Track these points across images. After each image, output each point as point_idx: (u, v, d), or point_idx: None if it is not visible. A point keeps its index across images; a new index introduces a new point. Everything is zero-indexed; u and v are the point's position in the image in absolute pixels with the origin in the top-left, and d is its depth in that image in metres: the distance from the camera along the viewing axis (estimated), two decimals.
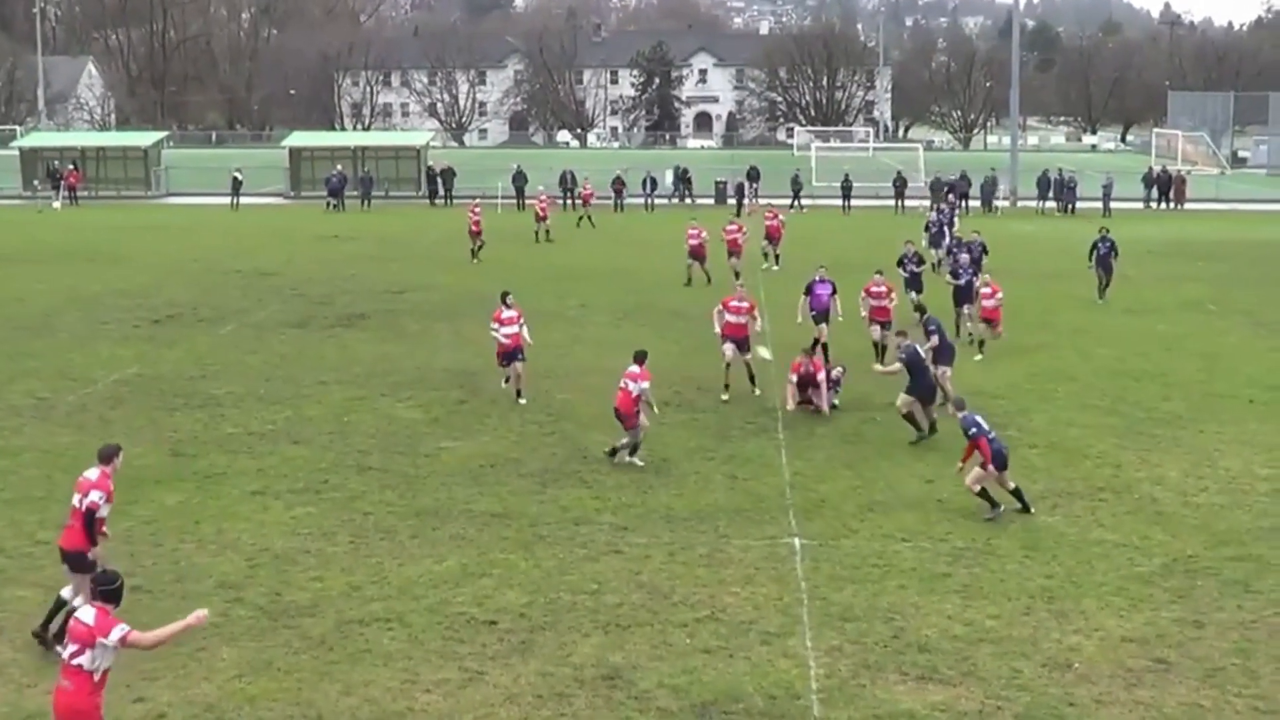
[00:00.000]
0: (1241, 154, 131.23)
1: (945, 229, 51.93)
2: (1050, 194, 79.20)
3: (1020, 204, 77.71)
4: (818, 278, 34.45)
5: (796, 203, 78.82)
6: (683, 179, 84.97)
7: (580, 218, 68.30)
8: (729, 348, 28.74)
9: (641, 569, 20.06)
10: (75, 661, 12.74)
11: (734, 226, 50.27)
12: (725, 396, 27.27)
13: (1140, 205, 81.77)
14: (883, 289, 33.84)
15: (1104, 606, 18.86)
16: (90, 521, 16.94)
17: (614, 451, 25.33)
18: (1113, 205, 77.11)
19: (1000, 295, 35.20)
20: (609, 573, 19.91)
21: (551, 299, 43.93)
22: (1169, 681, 16.69)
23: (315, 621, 18.07)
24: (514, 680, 16.39)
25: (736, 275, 43.14)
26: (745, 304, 29.25)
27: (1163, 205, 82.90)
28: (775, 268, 51.99)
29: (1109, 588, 19.57)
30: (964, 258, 39.66)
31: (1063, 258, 54.41)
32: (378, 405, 29.67)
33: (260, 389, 31.16)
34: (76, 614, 13.07)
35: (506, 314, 30.01)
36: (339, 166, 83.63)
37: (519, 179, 78.96)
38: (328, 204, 77.56)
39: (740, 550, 20.86)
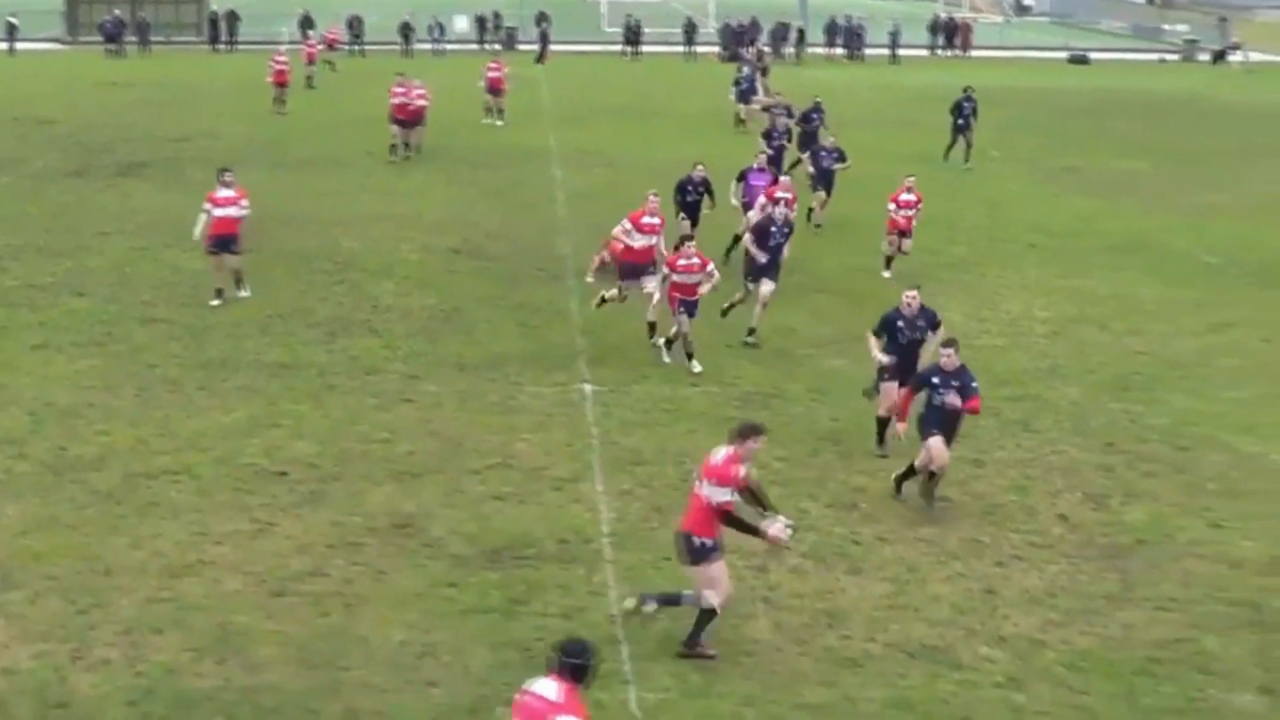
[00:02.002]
0: (1025, 1, 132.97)
1: (755, 84, 51.08)
2: (839, 41, 79.59)
3: (810, 50, 77.99)
4: (755, 166, 30.13)
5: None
6: (486, 24, 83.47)
7: (325, 62, 65.33)
8: (683, 318, 22.75)
9: (433, 417, 20.02)
10: None
11: (495, 65, 49.86)
12: (668, 359, 23.85)
13: (926, 52, 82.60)
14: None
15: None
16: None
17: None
18: (900, 52, 77.82)
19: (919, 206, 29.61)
20: (400, 422, 19.83)
21: (339, 146, 43.19)
22: (951, 518, 17.19)
23: (102, 476, 17.75)
24: (305, 530, 16.31)
25: (490, 111, 46.66)
26: (696, 261, 24.26)
27: (948, 52, 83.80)
28: (499, 123, 48.97)
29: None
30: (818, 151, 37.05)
31: (860, 107, 54.79)
32: (161, 256, 28.97)
33: (40, 240, 30.26)
34: (534, 687, 10.28)
35: (223, 193, 25.61)
36: (116, 11, 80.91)
37: (306, 24, 77.14)
38: (106, 49, 75.09)
39: (531, 397, 20.91)
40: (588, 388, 21.38)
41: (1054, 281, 28.80)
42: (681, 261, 22.59)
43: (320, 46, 66.14)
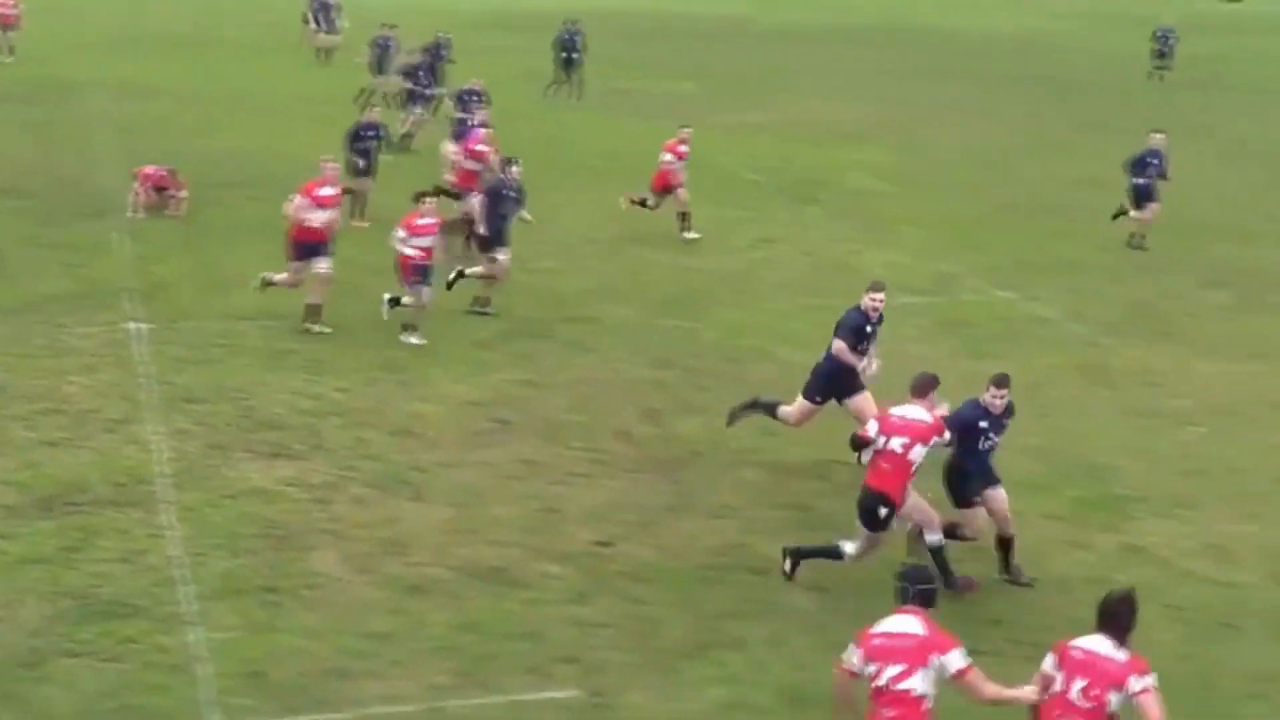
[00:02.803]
0: None
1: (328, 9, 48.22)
2: None
3: None
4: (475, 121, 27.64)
5: None
6: None
7: None
8: (424, 290, 20.85)
9: None
10: (901, 686, 9.76)
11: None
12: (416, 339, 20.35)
13: None
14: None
15: (447, 374, 19.34)
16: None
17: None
18: None
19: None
20: None
21: None
22: (509, 440, 17.36)
23: None
24: None
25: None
26: (433, 221, 21.14)
27: None
28: (8, 59, 43.88)
29: (453, 356, 20.05)
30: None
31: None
32: None
33: None
34: (887, 626, 9.95)
35: None
36: None
37: None
38: None
39: (79, 338, 20.12)
40: (137, 326, 20.68)
41: (607, 204, 29.28)
42: (420, 221, 20.74)
43: None
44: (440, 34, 38.79)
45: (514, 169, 22.85)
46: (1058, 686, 9.69)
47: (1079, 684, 9.60)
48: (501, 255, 22.22)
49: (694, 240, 26.77)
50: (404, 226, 20.69)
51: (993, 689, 9.97)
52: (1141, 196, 27.66)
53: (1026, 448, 17.50)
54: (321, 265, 20.91)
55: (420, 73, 35.03)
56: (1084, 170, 34.75)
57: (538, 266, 24.22)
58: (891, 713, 9.77)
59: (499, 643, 12.86)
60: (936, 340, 21.80)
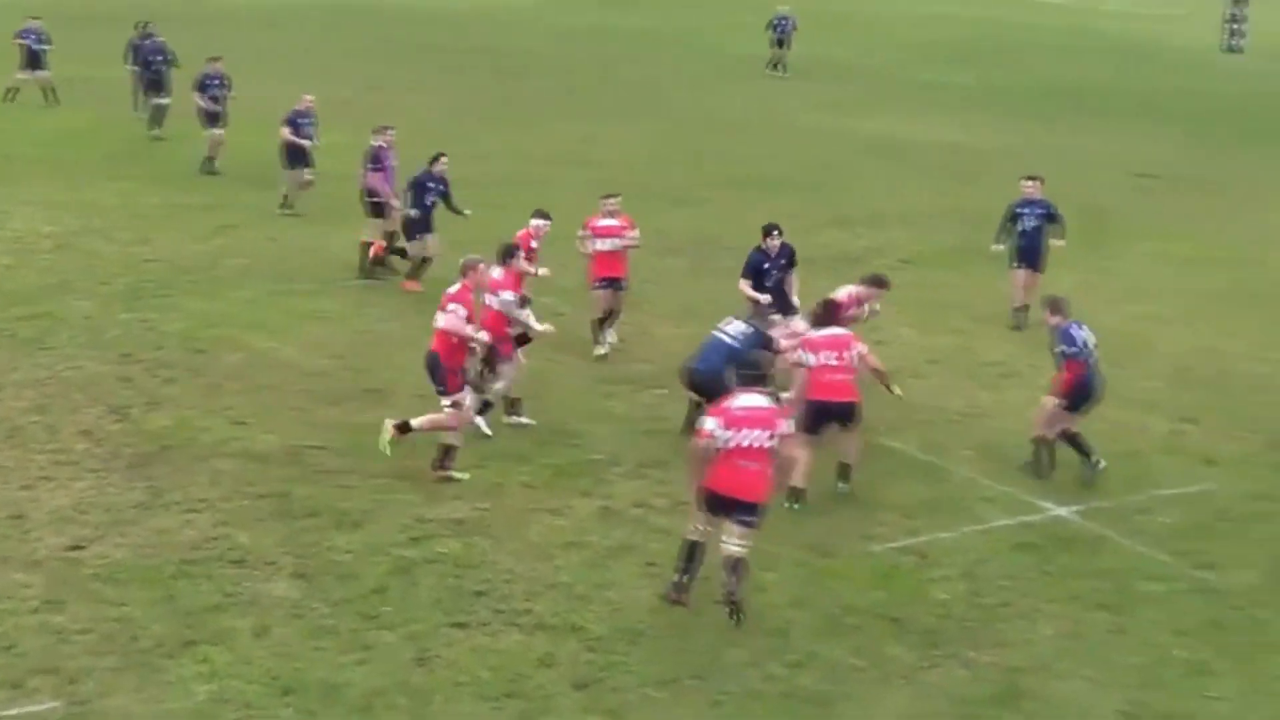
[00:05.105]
0: None
1: None
2: None
3: None
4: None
5: None
6: None
7: None
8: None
9: None
10: (761, 444, 13.33)
11: None
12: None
13: None
14: None
15: None
16: None
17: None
18: None
19: None
20: None
21: None
22: None
23: None
24: None
25: None
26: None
27: None
28: None
29: None
30: None
31: None
32: None
33: None
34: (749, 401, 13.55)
35: None
36: None
37: None
38: None
39: None
40: None
41: (57, 196, 28.19)
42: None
43: None
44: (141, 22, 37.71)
45: None
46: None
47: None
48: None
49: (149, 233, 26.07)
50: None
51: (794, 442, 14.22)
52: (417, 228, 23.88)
53: (497, 419, 17.86)
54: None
55: None
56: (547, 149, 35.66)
57: None
58: (753, 465, 13.22)
59: None
60: (409, 318, 21.89)
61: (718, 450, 13.32)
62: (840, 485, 16.53)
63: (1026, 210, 23.59)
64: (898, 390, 17.24)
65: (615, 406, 19.00)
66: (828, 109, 45.58)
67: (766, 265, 19.65)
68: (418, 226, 23.45)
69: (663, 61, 55.07)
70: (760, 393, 13.73)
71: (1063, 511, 16.42)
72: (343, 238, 25.92)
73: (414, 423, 16.33)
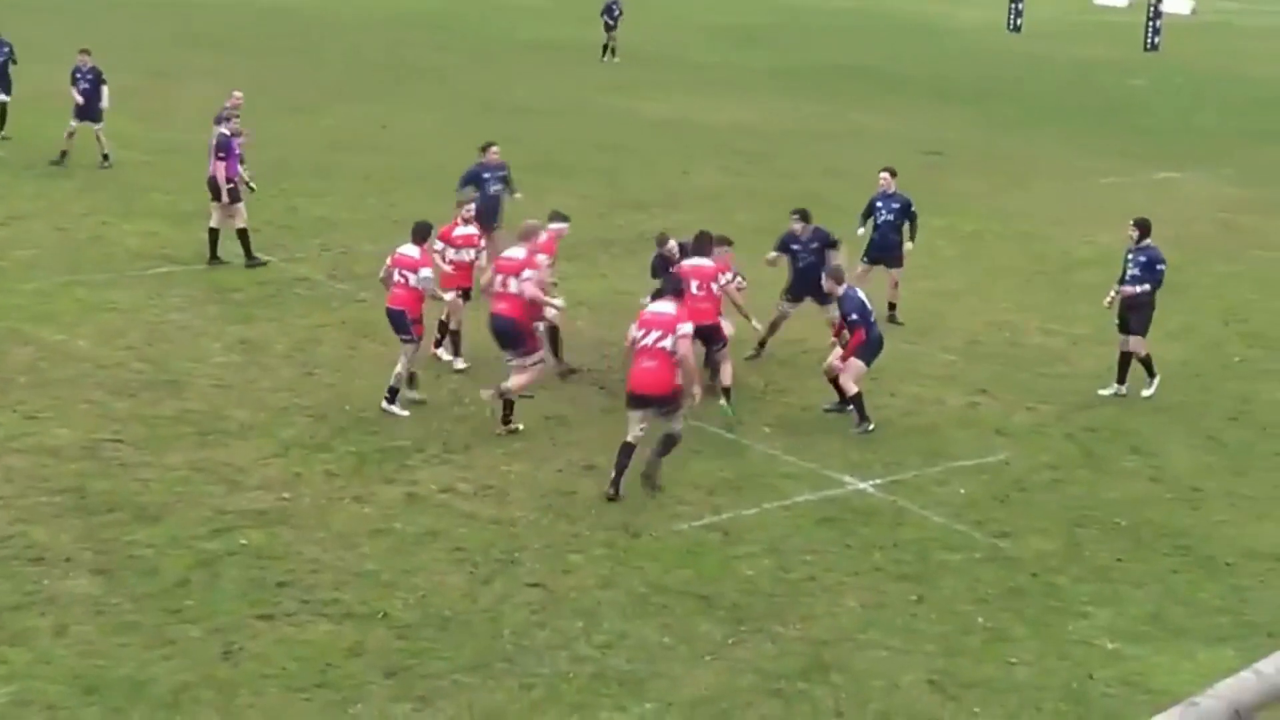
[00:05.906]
0: None
1: None
2: None
3: None
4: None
5: None
6: None
7: None
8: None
9: None
10: (660, 345, 15.45)
11: None
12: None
13: None
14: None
15: None
16: None
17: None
18: None
19: None
20: None
21: None
22: None
23: None
24: None
25: None
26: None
27: None
28: None
29: None
30: None
31: None
32: None
33: None
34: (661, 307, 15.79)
35: None
36: None
37: None
38: None
39: None
40: None
41: None
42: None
43: None
44: None
45: None
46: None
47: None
48: None
49: None
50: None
51: (691, 359, 15.80)
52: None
53: (297, 406, 17.69)
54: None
55: None
56: (337, 135, 35.34)
57: None
58: (652, 363, 15.42)
59: None
60: (203, 307, 21.61)
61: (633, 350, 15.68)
62: (722, 404, 18.21)
63: (883, 204, 22.88)
64: (756, 324, 19.64)
65: (417, 392, 18.89)
66: (620, 92, 45.74)
67: (796, 247, 20.47)
68: (486, 217, 21.91)
69: (454, 46, 54.80)
70: (669, 300, 15.85)
71: (863, 485, 16.74)
72: (132, 226, 25.46)
73: (510, 387, 17.27)
